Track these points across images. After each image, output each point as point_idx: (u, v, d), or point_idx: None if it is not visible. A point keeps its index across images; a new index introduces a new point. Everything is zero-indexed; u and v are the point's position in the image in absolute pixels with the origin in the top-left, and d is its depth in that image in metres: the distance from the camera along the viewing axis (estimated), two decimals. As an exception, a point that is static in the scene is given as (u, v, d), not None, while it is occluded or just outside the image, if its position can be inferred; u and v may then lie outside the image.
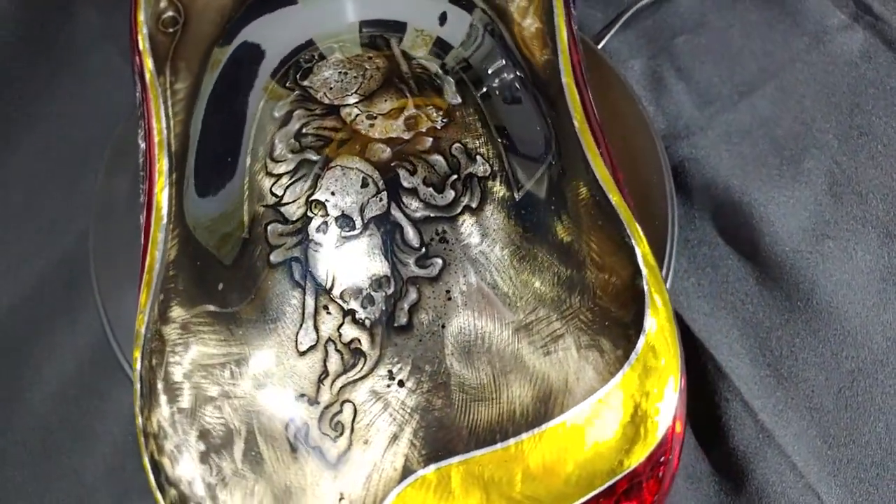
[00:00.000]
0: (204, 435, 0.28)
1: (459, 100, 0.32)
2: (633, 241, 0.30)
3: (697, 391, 0.42)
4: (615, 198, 0.31)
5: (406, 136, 0.31)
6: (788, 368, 0.41)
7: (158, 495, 0.28)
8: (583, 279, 0.29)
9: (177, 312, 0.30)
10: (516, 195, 0.30)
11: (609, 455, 0.28)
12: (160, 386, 0.29)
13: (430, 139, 0.31)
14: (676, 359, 0.29)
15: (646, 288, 0.29)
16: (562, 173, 0.31)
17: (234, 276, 0.29)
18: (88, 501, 0.41)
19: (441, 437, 0.28)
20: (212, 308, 0.29)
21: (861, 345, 0.41)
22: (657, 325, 0.29)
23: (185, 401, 0.29)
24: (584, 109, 0.33)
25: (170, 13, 0.35)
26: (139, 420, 0.29)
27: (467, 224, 0.30)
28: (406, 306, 0.29)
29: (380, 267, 0.29)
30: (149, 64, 0.35)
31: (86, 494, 0.42)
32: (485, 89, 0.33)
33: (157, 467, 0.28)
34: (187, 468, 0.28)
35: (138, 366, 0.30)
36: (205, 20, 0.35)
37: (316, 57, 0.33)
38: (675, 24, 0.52)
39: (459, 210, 0.30)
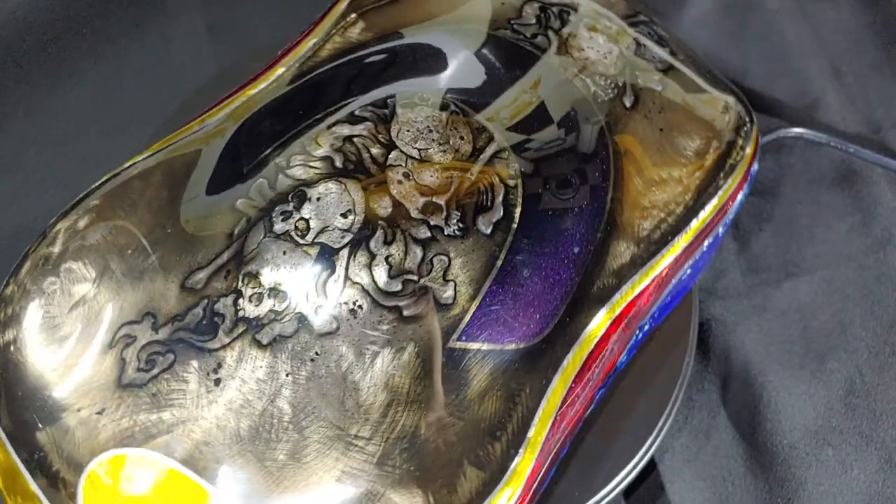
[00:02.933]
0: (72, 271, 0.28)
1: (489, 232, 0.30)
2: (503, 482, 0.28)
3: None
4: (532, 434, 0.29)
5: (413, 213, 0.30)
6: (747, 561, 0.40)
7: (7, 279, 0.29)
8: (427, 464, 0.28)
9: (155, 178, 0.30)
10: (449, 343, 0.29)
11: None
12: (90, 212, 0.29)
13: (428, 234, 0.30)
14: None
15: None
16: (509, 372, 0.29)
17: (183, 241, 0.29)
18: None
19: (200, 451, 0.26)
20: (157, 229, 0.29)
21: (826, 564, 0.39)
22: None
23: (91, 238, 0.29)
24: (582, 368, 0.31)
25: None
26: (54, 220, 0.30)
27: (384, 322, 0.28)
28: (277, 331, 0.28)
29: (290, 283, 0.28)
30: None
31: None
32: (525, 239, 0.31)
33: (21, 262, 0.29)
34: (36, 279, 0.28)
35: (98, 183, 0.31)
36: (412, 11, 0.35)
37: (428, 101, 0.32)
38: (747, 185, 0.51)
39: (389, 305, 0.29)
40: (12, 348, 0.28)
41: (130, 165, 0.31)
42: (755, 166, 0.37)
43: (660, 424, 0.39)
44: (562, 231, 0.31)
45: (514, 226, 0.31)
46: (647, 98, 0.34)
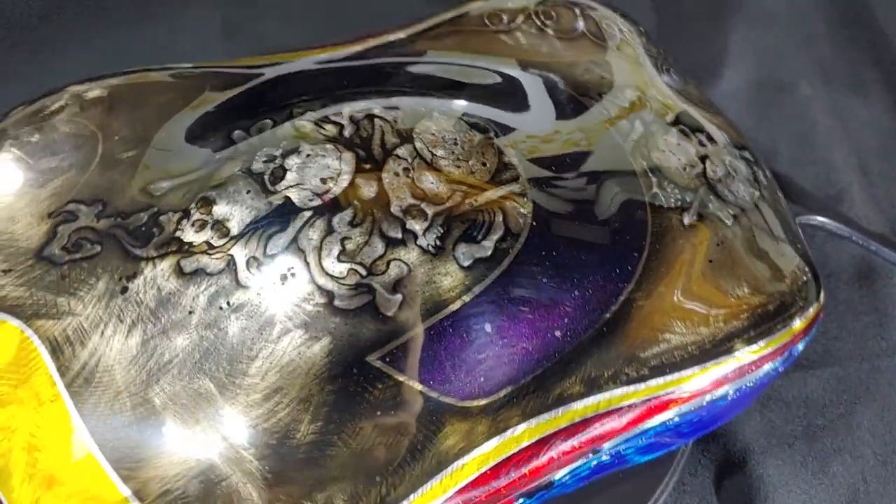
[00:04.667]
0: (55, 131, 0.28)
1: (466, 264, 0.27)
2: None
3: None
4: (414, 500, 0.26)
5: (394, 209, 0.27)
6: None
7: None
8: (285, 472, 0.25)
9: (179, 88, 0.30)
10: (368, 357, 0.26)
11: None
12: (104, 88, 0.30)
13: (399, 235, 0.27)
14: None
15: None
16: (422, 421, 0.26)
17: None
18: None
19: (73, 351, 0.25)
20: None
21: None
22: None
23: (89, 110, 0.29)
24: (505, 461, 0.28)
25: (504, 17, 0.35)
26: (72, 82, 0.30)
27: (310, 302, 0.26)
28: (201, 264, 0.26)
29: (237, 223, 0.26)
30: (452, 12, 0.36)
31: None
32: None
33: (17, 106, 0.29)
34: (19, 125, 0.28)
35: (132, 69, 0.31)
36: (504, 47, 0.35)
37: (467, 119, 0.30)
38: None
39: (322, 287, 0.26)
40: None
41: (167, 67, 0.31)
42: (800, 346, 0.33)
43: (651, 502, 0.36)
44: (550, 306, 0.28)
45: (499, 273, 0.27)
46: (709, 226, 0.31)
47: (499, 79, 0.32)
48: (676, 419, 0.30)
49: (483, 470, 0.27)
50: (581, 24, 0.35)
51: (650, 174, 0.31)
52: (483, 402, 0.27)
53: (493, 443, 0.27)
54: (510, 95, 0.32)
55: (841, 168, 0.52)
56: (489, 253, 0.27)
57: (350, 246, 0.26)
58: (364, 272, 0.26)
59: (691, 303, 0.30)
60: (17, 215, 0.27)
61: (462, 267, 0.27)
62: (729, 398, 0.31)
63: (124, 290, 0.25)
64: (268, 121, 0.28)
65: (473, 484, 0.27)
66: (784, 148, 0.53)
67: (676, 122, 0.33)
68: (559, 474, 0.29)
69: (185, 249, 0.26)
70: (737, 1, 0.59)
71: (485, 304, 0.27)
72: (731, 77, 0.56)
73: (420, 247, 0.27)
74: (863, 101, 0.56)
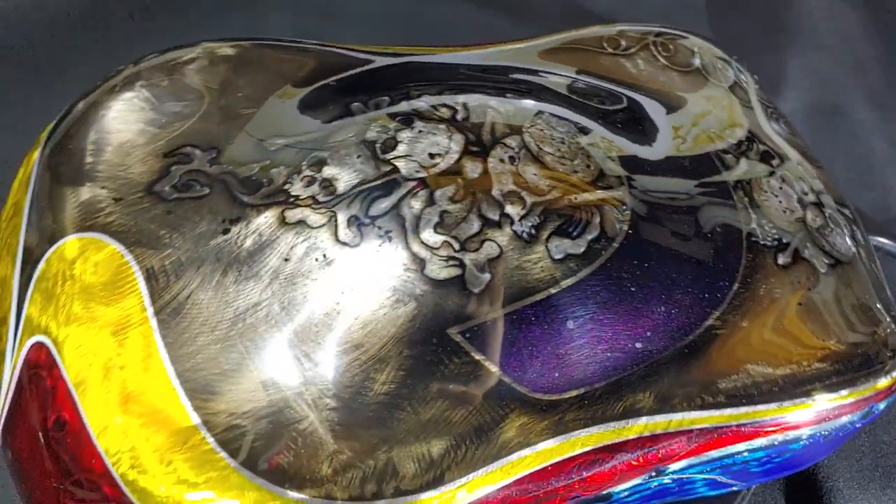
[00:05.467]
0: (184, 79, 0.30)
1: (557, 257, 0.27)
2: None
3: None
4: (463, 483, 0.26)
5: (495, 193, 0.28)
6: None
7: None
8: (352, 425, 0.26)
9: (302, 62, 0.32)
10: (449, 329, 0.26)
11: None
12: (233, 48, 0.31)
13: (496, 217, 0.27)
14: None
15: None
16: (490, 402, 0.26)
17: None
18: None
19: (167, 279, 0.26)
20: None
21: None
22: None
23: (219, 65, 0.31)
24: (561, 463, 0.27)
25: (622, 43, 0.37)
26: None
27: (401, 266, 0.26)
28: (304, 217, 0.26)
29: (344, 184, 0.27)
30: (570, 33, 0.37)
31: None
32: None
33: (153, 53, 0.31)
34: (152, 72, 0.30)
35: (261, 37, 0.33)
36: (622, 70, 0.36)
37: (577, 123, 0.31)
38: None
39: (416, 255, 0.26)
40: (100, 110, 0.29)
41: (293, 40, 0.33)
42: (881, 405, 0.32)
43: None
44: (635, 316, 0.28)
45: (589, 272, 0.27)
46: (803, 269, 0.31)
47: (623, 102, 0.33)
48: (745, 454, 0.30)
49: (545, 465, 0.27)
50: (697, 61, 0.36)
51: (750, 210, 0.31)
52: (553, 397, 0.27)
53: (556, 441, 0.27)
54: (630, 115, 0.33)
55: (898, 192, 0.52)
56: (582, 250, 0.27)
57: (448, 220, 0.27)
58: (457, 246, 0.27)
59: (775, 341, 0.29)
60: (135, 151, 0.28)
61: (553, 259, 0.27)
62: (801, 443, 0.30)
63: (226, 231, 0.26)
64: (385, 98, 0.29)
65: (533, 477, 0.27)
66: (840, 171, 0.52)
67: (781, 167, 0.34)
68: (619, 487, 0.29)
69: (291, 201, 0.27)
70: (790, 26, 0.59)
71: (571, 300, 0.27)
72: (786, 101, 0.56)
73: (514, 231, 0.27)
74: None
